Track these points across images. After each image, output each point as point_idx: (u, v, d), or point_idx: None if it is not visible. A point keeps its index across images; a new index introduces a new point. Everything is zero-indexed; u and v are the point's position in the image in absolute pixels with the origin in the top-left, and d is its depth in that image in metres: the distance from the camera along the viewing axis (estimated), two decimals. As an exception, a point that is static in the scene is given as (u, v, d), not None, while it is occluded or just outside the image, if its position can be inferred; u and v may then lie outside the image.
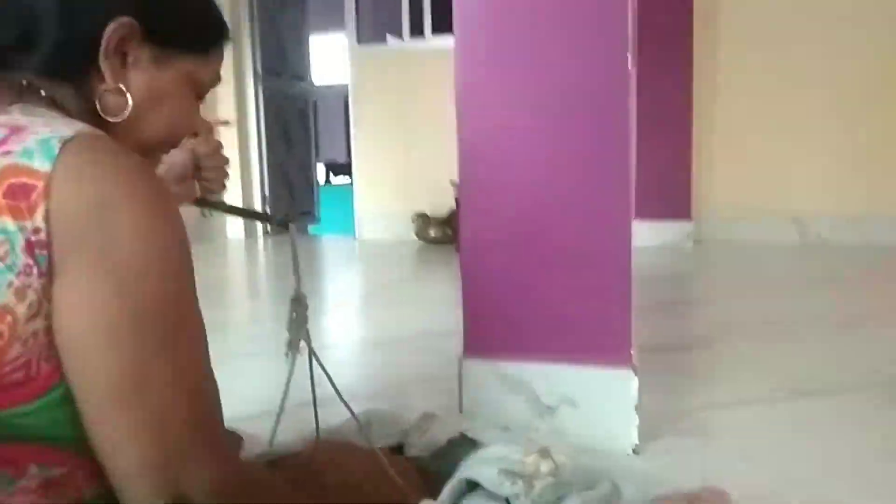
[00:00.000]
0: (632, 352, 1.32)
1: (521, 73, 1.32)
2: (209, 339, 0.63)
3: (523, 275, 1.35)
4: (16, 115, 0.60)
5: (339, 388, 1.01)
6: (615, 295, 1.32)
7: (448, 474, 1.11)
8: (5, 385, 0.54)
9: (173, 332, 0.58)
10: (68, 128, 0.57)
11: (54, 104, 0.63)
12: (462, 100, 1.35)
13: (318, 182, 6.10)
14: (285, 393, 1.01)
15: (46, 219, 0.53)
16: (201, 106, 0.81)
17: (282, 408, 1.03)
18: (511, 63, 1.32)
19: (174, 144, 0.75)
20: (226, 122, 1.02)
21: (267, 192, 5.33)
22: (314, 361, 1.02)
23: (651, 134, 4.27)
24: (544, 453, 0.96)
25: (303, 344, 1.02)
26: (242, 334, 2.43)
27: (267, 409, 1.48)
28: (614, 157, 1.29)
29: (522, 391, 1.34)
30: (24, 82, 0.62)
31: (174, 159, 0.91)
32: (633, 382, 1.31)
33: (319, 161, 12.29)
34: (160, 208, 0.58)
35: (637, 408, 1.31)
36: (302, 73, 5.91)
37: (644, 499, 1.10)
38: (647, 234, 4.30)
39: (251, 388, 1.68)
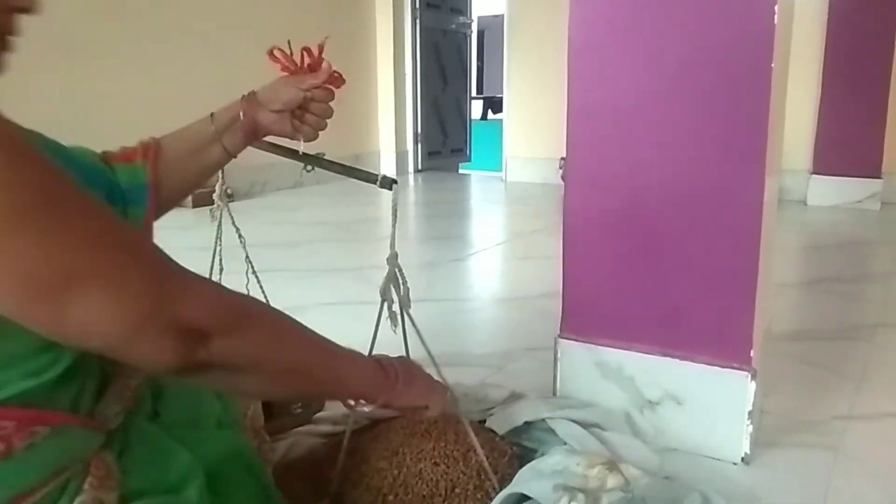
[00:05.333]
0: (752, 353, 1.17)
1: (644, 34, 1.16)
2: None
3: (631, 257, 1.23)
4: None
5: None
6: (738, 288, 1.17)
7: (524, 458, 1.07)
8: None
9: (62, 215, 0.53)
10: None
11: None
12: (574, 62, 1.22)
13: (471, 119, 6.04)
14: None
15: None
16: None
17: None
18: (633, 21, 1.16)
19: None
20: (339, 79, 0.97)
21: (419, 129, 5.37)
22: (408, 326, 1.01)
23: (843, 80, 3.75)
24: (611, 466, 0.88)
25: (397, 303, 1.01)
26: (368, 280, 2.47)
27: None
28: (748, 135, 1.11)
29: (622, 381, 1.24)
30: None
31: (283, 91, 0.89)
32: (749, 386, 1.16)
33: (481, 95, 12.24)
34: None
35: (751, 414, 1.17)
36: (461, 5, 5.80)
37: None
38: (825, 192, 3.85)
39: (346, 341, 1.72)
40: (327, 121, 0.95)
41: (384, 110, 5.22)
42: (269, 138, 0.96)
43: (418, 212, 4.16)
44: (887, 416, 1.37)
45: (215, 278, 1.24)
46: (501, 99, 5.19)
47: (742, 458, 1.18)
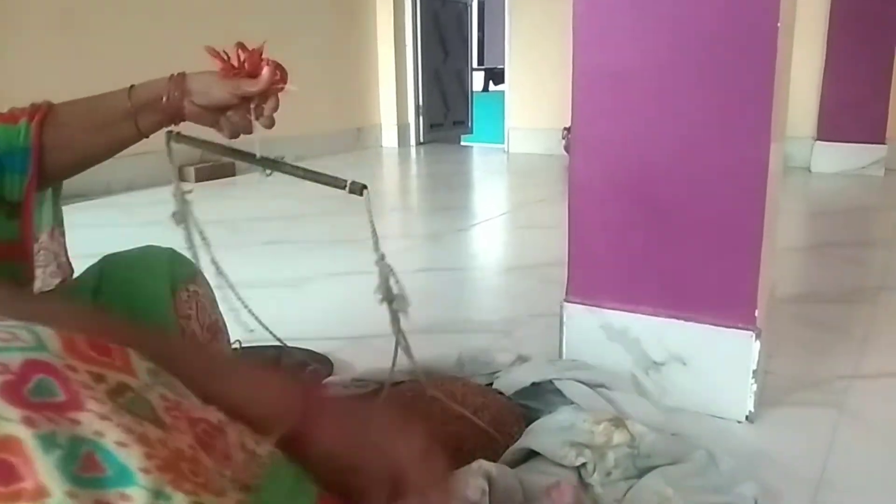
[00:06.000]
0: (756, 313, 1.18)
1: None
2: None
3: (636, 221, 1.24)
4: None
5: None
6: (743, 249, 1.17)
7: (531, 418, 1.09)
8: None
9: None
10: None
11: None
12: (579, 27, 1.21)
13: (472, 91, 6.01)
14: (396, 349, 0.98)
15: None
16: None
17: (394, 362, 1.00)
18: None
19: None
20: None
21: (421, 102, 5.34)
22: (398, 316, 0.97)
23: (847, 46, 3.71)
24: (618, 422, 0.90)
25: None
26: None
27: (357, 335, 1.54)
28: (752, 102, 1.11)
29: (628, 343, 1.26)
30: None
31: (216, 89, 0.82)
32: (753, 345, 1.17)
33: (482, 67, 12.12)
34: None
35: (755, 373, 1.18)
36: (461, -25, 5.73)
37: (746, 474, 1.01)
38: (829, 158, 3.83)
39: (353, 310, 1.73)
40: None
41: (385, 83, 5.18)
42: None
43: (421, 184, 4.16)
44: (891, 376, 1.38)
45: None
46: (503, 70, 5.15)
47: (746, 417, 1.19)
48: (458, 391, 1.16)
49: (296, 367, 1.34)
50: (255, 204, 3.28)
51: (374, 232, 0.90)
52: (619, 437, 0.88)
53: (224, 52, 0.84)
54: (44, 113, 0.77)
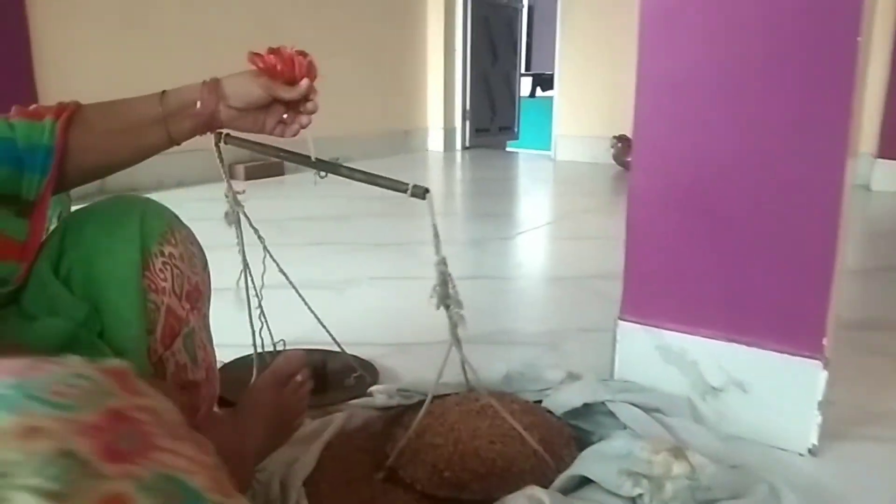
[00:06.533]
0: (824, 341, 1.12)
1: (722, 3, 1.10)
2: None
3: (699, 238, 1.18)
4: None
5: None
6: (814, 273, 1.11)
7: (581, 440, 1.05)
8: None
9: None
10: None
11: None
12: (645, 33, 1.17)
13: (520, 97, 5.96)
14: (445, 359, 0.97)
15: None
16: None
17: (441, 370, 0.99)
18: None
19: None
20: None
21: (468, 106, 5.32)
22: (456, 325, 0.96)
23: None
24: (677, 452, 0.85)
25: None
26: (416, 255, 2.45)
27: (400, 342, 1.51)
28: (832, 113, 1.05)
29: (685, 366, 1.21)
30: None
31: (252, 89, 0.80)
32: (820, 375, 1.11)
33: (529, 72, 12.06)
34: None
35: (821, 404, 1.12)
36: (513, -20, 5.70)
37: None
38: (891, 176, 3.68)
39: (397, 315, 1.71)
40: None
41: (433, 86, 5.18)
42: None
43: (465, 189, 4.13)
44: (964, 412, 1.30)
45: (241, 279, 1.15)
46: (550, 76, 5.10)
47: (809, 450, 1.13)
48: (507, 407, 1.12)
49: (341, 372, 1.32)
50: (303, 204, 3.30)
51: (436, 234, 0.89)
52: (678, 468, 0.84)
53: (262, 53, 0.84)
54: (71, 112, 0.75)
